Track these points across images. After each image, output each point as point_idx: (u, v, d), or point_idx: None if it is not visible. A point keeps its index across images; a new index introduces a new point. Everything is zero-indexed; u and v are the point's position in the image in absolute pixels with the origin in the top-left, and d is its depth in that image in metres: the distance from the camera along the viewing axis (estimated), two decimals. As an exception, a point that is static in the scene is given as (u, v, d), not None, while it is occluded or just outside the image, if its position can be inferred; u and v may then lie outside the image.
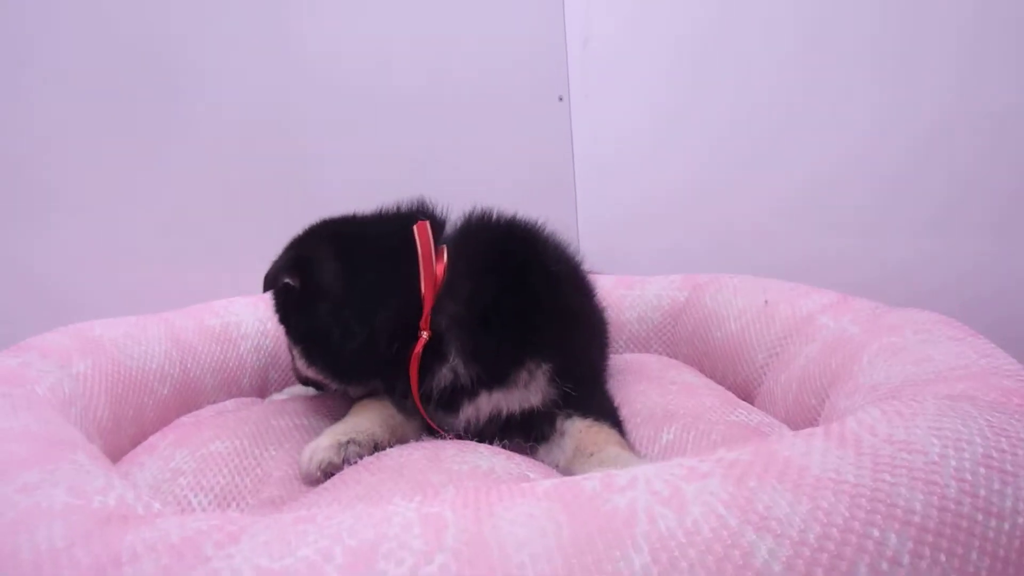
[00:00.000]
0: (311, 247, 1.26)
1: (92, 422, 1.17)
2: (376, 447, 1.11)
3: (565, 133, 2.52)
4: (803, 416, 1.21)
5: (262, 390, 1.63)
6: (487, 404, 1.16)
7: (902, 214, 1.73)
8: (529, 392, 1.16)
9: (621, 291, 1.84)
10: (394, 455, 1.03)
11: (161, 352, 1.39)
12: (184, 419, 1.37)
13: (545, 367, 1.16)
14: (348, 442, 1.09)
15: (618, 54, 2.40)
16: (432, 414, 1.17)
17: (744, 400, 1.42)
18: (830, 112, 1.86)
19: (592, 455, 1.04)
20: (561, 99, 2.49)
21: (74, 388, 1.14)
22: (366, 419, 1.17)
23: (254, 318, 1.66)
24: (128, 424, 1.27)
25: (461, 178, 2.29)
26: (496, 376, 1.15)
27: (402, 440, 1.16)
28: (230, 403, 1.48)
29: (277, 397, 1.54)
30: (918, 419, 0.70)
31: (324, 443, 1.09)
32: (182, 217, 1.99)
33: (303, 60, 2.13)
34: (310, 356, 1.26)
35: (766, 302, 1.49)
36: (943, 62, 1.63)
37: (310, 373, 1.30)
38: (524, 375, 1.15)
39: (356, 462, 1.06)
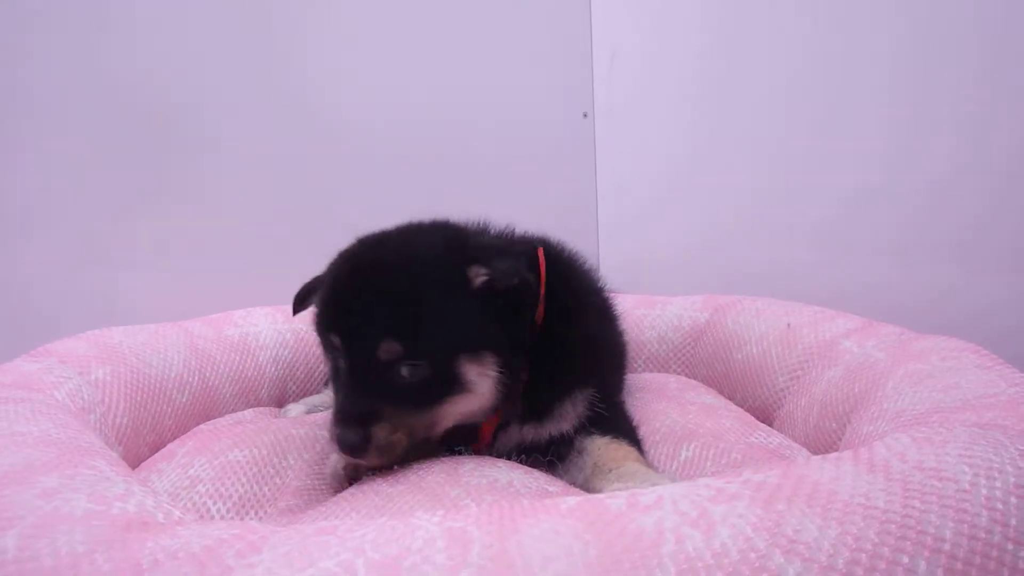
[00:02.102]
0: (506, 249, 1.12)
1: (111, 428, 1.18)
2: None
3: (588, 150, 2.51)
4: (823, 440, 1.19)
5: (280, 401, 1.64)
6: (516, 434, 1.17)
7: (926, 246, 1.72)
8: (563, 421, 1.15)
9: (641, 310, 1.83)
10: (413, 469, 1.03)
11: (180, 360, 1.40)
12: (203, 427, 1.37)
13: (588, 392, 1.16)
14: None
15: (645, 70, 2.40)
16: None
17: (763, 422, 1.40)
18: (859, 136, 1.84)
19: (611, 471, 1.04)
20: (586, 115, 2.48)
21: (93, 395, 1.14)
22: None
23: (272, 329, 1.66)
24: (147, 431, 1.27)
25: (480, 192, 2.29)
26: (538, 411, 1.15)
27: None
28: (248, 413, 1.48)
29: (293, 407, 1.54)
30: (949, 447, 0.68)
31: None
32: (208, 228, 2.01)
33: (322, 71, 2.15)
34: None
35: (789, 325, 1.47)
36: (957, 102, 1.63)
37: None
38: (568, 406, 1.15)
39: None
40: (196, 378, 1.42)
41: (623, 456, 1.07)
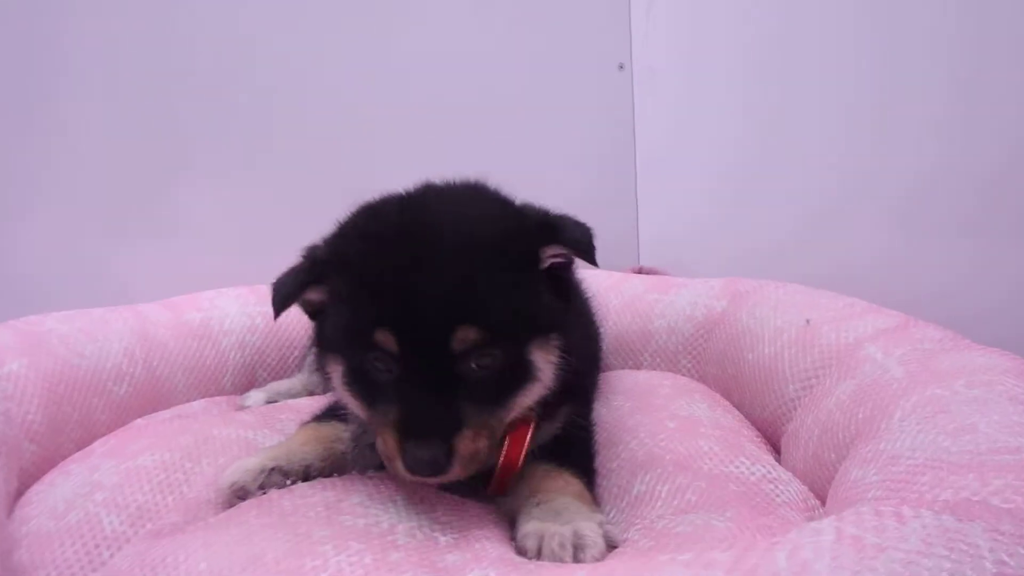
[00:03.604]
0: None
1: (18, 426, 1.08)
2: (307, 476, 0.98)
3: (626, 106, 2.26)
4: (819, 473, 0.99)
5: (247, 389, 1.51)
6: None
7: (992, 240, 1.47)
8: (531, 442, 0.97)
9: (653, 296, 1.60)
10: (296, 495, 0.89)
11: (120, 349, 1.29)
12: (138, 422, 1.27)
13: (564, 410, 1.01)
14: (273, 469, 0.97)
15: (688, 17, 2.13)
16: None
17: (771, 439, 1.19)
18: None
19: (540, 504, 0.89)
20: (622, 67, 2.23)
21: (-2, 390, 1.05)
22: (307, 445, 1.03)
23: (241, 312, 1.54)
24: (71, 427, 1.18)
25: (506, 148, 2.09)
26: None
27: (338, 469, 1.01)
28: (198, 404, 1.38)
29: (254, 394, 1.43)
30: (885, 555, 0.47)
31: (249, 464, 0.97)
32: (197, 213, 1.92)
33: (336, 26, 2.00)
34: None
35: (808, 322, 1.24)
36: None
37: None
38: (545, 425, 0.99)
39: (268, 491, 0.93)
40: (140, 368, 1.31)
41: (559, 488, 0.92)
